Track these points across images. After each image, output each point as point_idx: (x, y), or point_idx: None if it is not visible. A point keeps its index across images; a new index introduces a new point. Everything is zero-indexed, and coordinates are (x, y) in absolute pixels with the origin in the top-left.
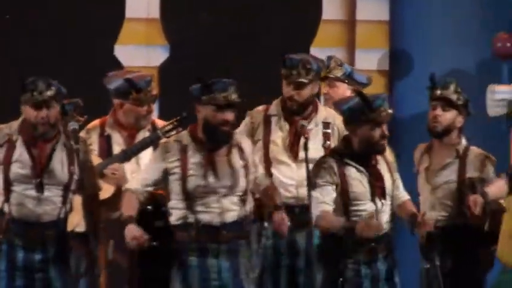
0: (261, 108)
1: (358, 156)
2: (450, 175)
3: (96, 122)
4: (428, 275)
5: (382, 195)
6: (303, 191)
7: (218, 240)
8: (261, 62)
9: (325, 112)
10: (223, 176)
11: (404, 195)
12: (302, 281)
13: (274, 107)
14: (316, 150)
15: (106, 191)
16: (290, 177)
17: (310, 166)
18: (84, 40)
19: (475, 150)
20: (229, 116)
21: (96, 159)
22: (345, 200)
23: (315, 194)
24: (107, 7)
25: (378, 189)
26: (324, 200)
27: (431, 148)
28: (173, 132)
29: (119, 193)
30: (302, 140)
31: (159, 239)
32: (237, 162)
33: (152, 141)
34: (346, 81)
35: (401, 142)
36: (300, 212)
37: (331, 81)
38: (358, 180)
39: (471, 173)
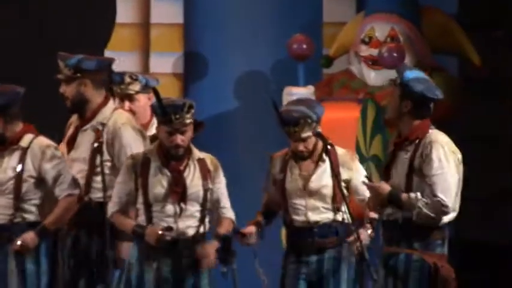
0: None
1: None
2: None
3: None
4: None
5: (181, 200)
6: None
7: None
8: (55, 67)
9: (107, 115)
10: None
11: (225, 212)
12: None
13: None
14: (85, 149)
15: None
16: None
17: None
18: None
19: None
20: None
21: None
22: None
23: None
24: None
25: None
26: None
27: None
28: None
29: None
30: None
31: None
32: (13, 164)
33: None
34: (145, 91)
35: (201, 145)
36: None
37: (131, 97)
38: (158, 180)
39: None
